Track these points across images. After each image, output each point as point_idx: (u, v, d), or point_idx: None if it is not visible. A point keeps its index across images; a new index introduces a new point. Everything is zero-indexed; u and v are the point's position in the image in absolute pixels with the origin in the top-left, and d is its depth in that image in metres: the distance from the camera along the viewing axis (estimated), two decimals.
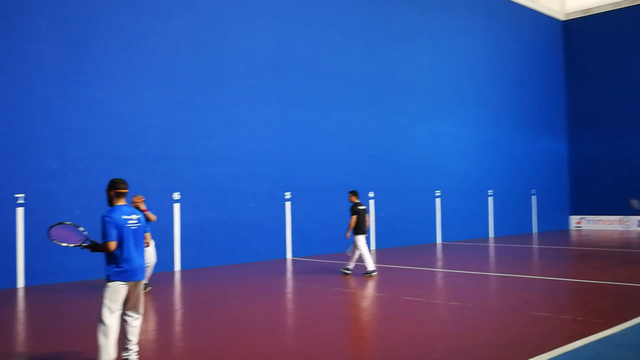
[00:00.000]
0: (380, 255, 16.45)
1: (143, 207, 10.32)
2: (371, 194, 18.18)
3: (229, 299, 9.89)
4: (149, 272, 10.60)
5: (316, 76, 16.96)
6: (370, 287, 10.91)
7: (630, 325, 6.93)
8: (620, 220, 26.54)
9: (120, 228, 5.41)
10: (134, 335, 5.59)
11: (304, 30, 16.81)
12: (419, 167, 20.06)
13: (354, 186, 17.20)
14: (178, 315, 8.74)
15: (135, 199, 10.40)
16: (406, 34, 20.05)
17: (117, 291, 5.38)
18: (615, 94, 27.15)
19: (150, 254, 10.54)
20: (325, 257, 15.74)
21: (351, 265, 12.20)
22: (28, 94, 11.64)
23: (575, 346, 6.03)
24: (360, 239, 12.07)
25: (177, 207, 13.69)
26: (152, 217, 10.41)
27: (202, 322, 7.86)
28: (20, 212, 11.40)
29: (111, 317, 5.36)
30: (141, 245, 5.58)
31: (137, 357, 5.63)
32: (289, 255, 15.93)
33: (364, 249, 12.04)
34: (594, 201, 27.32)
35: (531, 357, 5.66)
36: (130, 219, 5.51)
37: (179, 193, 13.74)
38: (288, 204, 15.99)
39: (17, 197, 11.39)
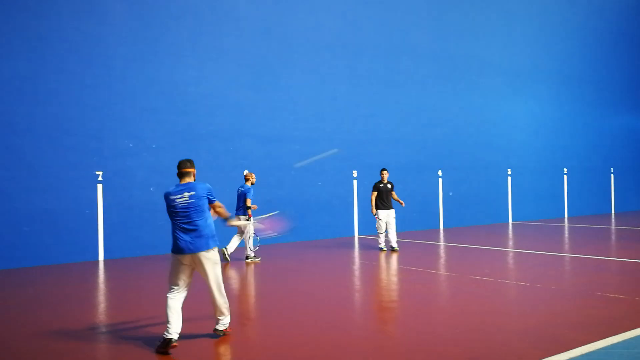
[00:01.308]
0: (449, 234, 16.28)
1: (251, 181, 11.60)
2: (440, 173, 17.96)
3: (298, 274, 10.10)
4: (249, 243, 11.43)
5: (384, 53, 16.80)
6: (438, 265, 10.85)
7: None
8: None
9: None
10: None
11: (371, 7, 16.64)
12: (489, 145, 19.59)
13: (422, 164, 17.07)
14: (252, 288, 9.01)
15: (249, 175, 11.61)
16: (477, 8, 19.47)
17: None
18: None
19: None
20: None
21: (382, 240, 12.81)
22: (106, 76, 12.17)
23: None
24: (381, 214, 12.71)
25: None
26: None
27: (273, 296, 8.08)
28: (99, 188, 12.01)
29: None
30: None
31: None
32: (356, 233, 16.02)
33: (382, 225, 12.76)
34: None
35: (601, 339, 5.51)
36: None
37: (248, 171, 14.04)
38: (355, 182, 16.04)
39: (97, 175, 12.00)
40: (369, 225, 16.20)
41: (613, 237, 15.53)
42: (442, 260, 11.59)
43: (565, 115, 22.41)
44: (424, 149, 17.64)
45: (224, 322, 5.90)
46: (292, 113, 14.94)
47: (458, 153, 18.58)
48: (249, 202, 10.99)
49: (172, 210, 5.63)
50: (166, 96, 12.95)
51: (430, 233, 16.52)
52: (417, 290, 8.51)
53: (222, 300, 5.79)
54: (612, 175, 24.33)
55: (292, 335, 6.01)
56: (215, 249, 5.70)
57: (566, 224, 19.13)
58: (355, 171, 16.04)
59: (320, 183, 15.37)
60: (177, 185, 5.70)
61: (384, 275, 9.94)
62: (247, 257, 11.40)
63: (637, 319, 6.28)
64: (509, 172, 20.12)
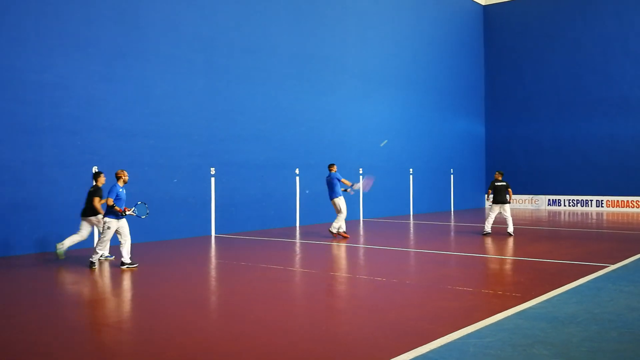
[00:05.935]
0: (305, 231, 16.52)
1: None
2: (297, 171, 18.18)
3: (156, 276, 9.65)
4: None
5: (243, 50, 16.63)
6: (296, 263, 10.94)
7: (546, 299, 7.31)
8: (531, 200, 27.96)
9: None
10: None
11: (230, 2, 16.40)
12: (344, 145, 20.22)
13: (280, 162, 17.15)
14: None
15: (121, 174, 10.56)
16: (334, 12, 20.01)
17: None
18: (529, 79, 28.38)
19: None
20: (253, 234, 15.64)
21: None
22: None
23: (497, 319, 6.29)
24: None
25: None
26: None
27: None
28: None
29: None
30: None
31: None
32: (213, 232, 15.70)
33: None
34: (508, 181, 28.55)
35: (457, 330, 5.85)
36: None
37: (97, 167, 13.17)
38: (213, 180, 15.72)
39: None
40: (227, 224, 15.96)
41: (453, 233, 16.75)
42: (300, 258, 11.71)
43: (411, 119, 23.79)
44: (282, 147, 17.75)
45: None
46: (146, 106, 14.25)
47: (315, 152, 18.94)
48: (111, 202, 10.15)
49: None
50: (4, 84, 11.72)
51: (287, 230, 16.66)
52: (277, 289, 8.49)
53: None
54: (452, 175, 26.28)
55: (157, 339, 5.70)
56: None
57: (412, 221, 20.30)
58: (214, 168, 15.72)
59: (175, 180, 14.83)
60: None
61: (240, 276, 9.80)
62: (123, 264, 10.25)
63: (485, 310, 6.79)
64: (361, 172, 20.90)
